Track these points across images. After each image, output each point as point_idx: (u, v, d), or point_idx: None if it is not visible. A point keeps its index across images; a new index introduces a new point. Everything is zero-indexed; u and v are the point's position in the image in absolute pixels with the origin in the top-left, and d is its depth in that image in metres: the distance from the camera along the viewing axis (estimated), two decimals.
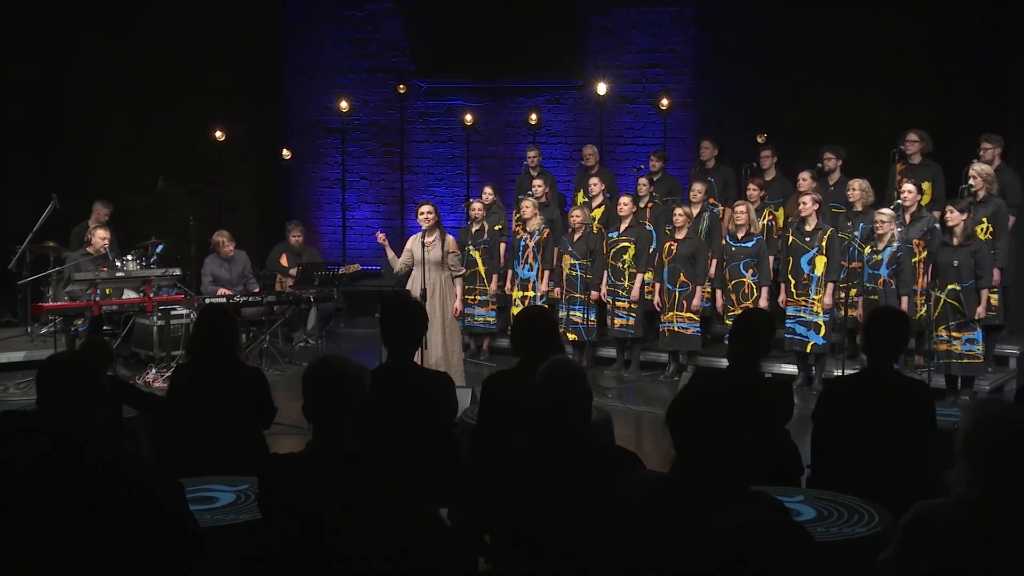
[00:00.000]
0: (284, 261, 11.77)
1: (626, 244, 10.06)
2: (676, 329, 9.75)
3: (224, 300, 10.15)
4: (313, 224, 14.15)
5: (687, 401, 2.81)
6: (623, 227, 10.14)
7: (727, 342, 4.65)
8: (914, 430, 4.31)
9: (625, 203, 10.08)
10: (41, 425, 2.90)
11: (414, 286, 8.54)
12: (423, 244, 8.59)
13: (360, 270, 12.11)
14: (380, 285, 13.33)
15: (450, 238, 8.89)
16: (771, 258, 9.72)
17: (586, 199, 11.36)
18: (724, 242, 9.73)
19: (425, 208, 8.68)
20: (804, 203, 9.14)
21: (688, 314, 9.70)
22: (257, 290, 10.71)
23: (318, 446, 3.10)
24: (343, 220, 14.24)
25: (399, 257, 8.88)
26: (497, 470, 3.48)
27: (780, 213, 10.56)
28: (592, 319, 10.22)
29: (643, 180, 10.91)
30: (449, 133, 14.21)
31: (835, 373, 9.08)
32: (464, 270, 9.40)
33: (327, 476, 3.04)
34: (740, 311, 9.12)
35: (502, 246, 11.23)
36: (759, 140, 12.18)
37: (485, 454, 4.43)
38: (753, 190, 10.24)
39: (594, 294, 10.25)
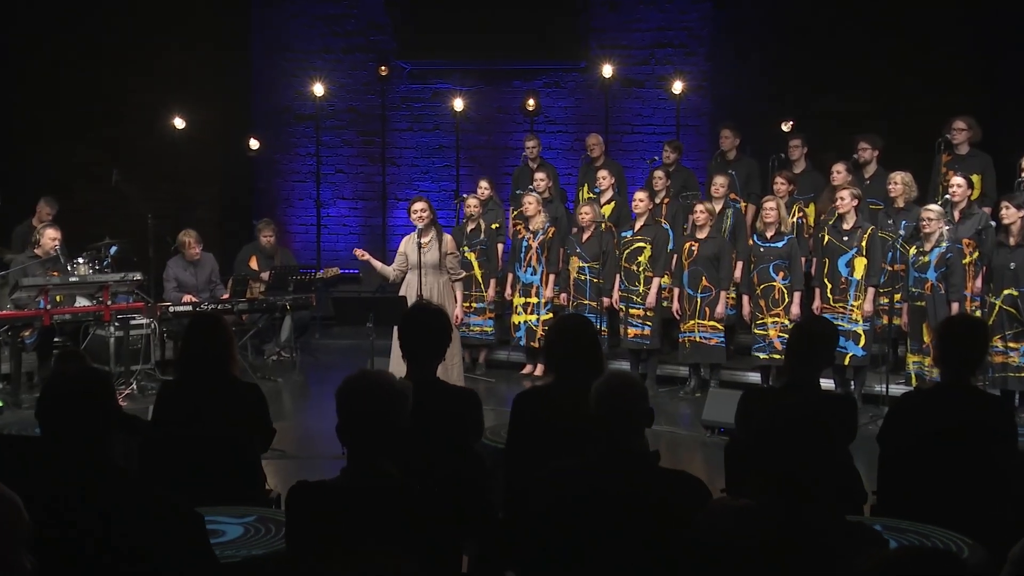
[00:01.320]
0: (254, 264, 11.71)
1: (642, 245, 10.07)
2: (698, 339, 9.76)
3: (190, 308, 10.10)
4: (283, 222, 14.10)
5: (782, 422, 2.81)
6: (638, 226, 10.15)
7: (785, 354, 4.64)
8: (996, 451, 4.32)
9: (641, 199, 10.09)
10: (47, 454, 2.87)
11: (409, 292, 8.52)
12: (418, 245, 8.57)
13: (340, 274, 12.07)
14: (360, 290, 13.37)
15: (448, 238, 8.88)
16: (801, 259, 9.74)
17: (591, 194, 11.38)
18: (751, 242, 9.75)
19: (419, 205, 8.66)
20: (842, 198, 9.16)
21: (711, 322, 9.72)
22: (225, 296, 10.64)
23: (354, 474, 3.07)
24: (317, 218, 14.20)
25: (390, 264, 8.85)
26: (539, 497, 3.47)
27: (811, 210, 10.60)
28: (603, 328, 10.21)
29: (658, 173, 10.94)
30: (436, 120, 14.20)
31: (876, 388, 9.13)
32: (464, 273, 9.39)
33: (364, 507, 3.01)
34: (792, 321, 9.15)
35: (499, 247, 11.23)
36: (784, 128, 12.24)
37: (517, 481, 4.40)
38: (781, 184, 10.26)
39: (605, 301, 10.26)
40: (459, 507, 3.42)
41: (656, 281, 10.04)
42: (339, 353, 12.34)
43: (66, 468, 2.79)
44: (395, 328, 8.57)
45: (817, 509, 2.76)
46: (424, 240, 8.59)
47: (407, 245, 8.74)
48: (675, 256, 10.17)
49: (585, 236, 10.37)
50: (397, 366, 8.58)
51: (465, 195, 11.44)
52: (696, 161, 13.20)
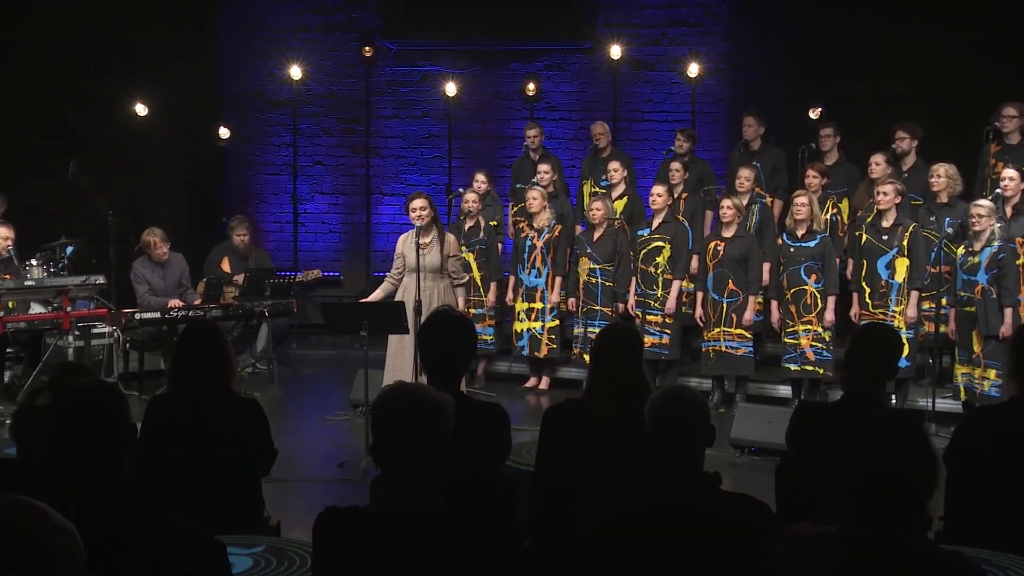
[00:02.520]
0: (226, 266, 11.70)
1: (660, 244, 10.11)
2: (723, 349, 9.79)
3: (157, 315, 10.09)
4: (256, 219, 14.06)
5: (867, 440, 2.82)
6: (656, 223, 10.18)
7: (845, 365, 4.66)
8: None
9: (659, 193, 10.13)
10: (40, 479, 2.87)
11: (407, 297, 8.52)
12: (417, 246, 8.56)
13: (321, 276, 12.07)
14: (341, 295, 13.37)
15: (450, 238, 8.89)
16: (836, 260, 9.77)
17: (598, 188, 11.40)
18: (781, 241, 9.78)
19: (418, 203, 8.65)
20: (884, 193, 9.21)
21: (738, 330, 9.75)
22: (197, 302, 10.62)
23: (392, 499, 3.07)
24: (294, 215, 14.20)
25: (389, 271, 8.88)
26: (589, 522, 3.48)
27: (845, 205, 10.65)
28: None
29: (675, 164, 10.97)
30: (425, 107, 14.21)
31: (920, 403, 9.15)
32: (467, 277, 9.40)
33: (403, 537, 3.01)
34: (825, 328, 9.19)
35: (498, 246, 11.24)
36: (811, 115, 12.29)
37: (550, 507, 4.42)
38: (813, 177, 10.30)
39: (619, 306, 10.27)
40: (487, 535, 3.43)
41: (676, 284, 10.08)
42: (320, 365, 12.35)
43: (79, 493, 2.77)
44: (389, 338, 8.68)
45: (911, 536, 2.77)
46: (424, 240, 8.59)
47: (404, 246, 8.73)
48: (699, 257, 10.21)
49: (596, 235, 10.39)
50: (393, 380, 8.61)
51: (461, 189, 11.45)
52: (713, 152, 13.26)
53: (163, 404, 4.87)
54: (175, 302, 10.38)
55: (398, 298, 8.63)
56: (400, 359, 8.57)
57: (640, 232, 10.29)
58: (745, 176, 10.44)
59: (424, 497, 3.07)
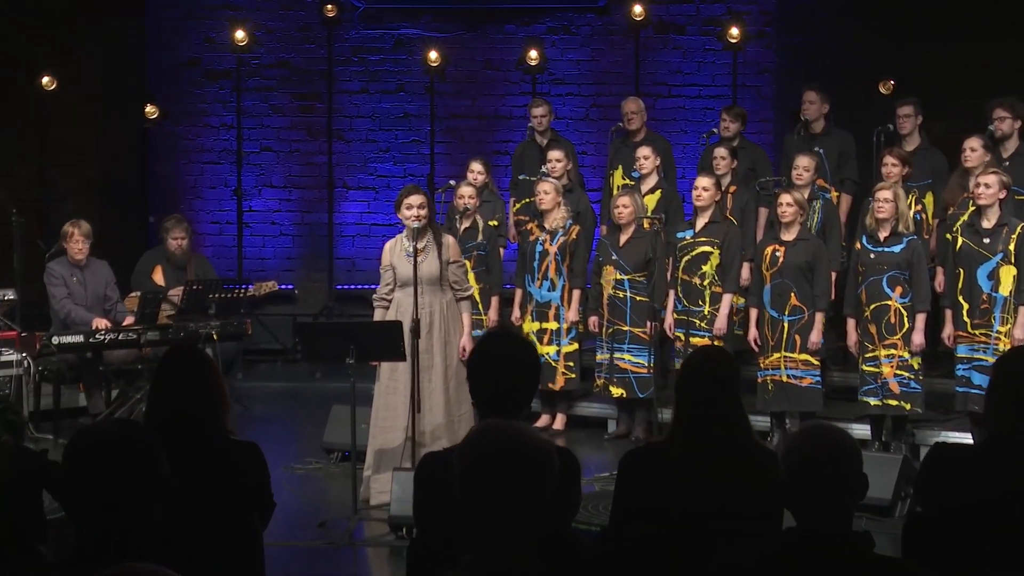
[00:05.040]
0: (159, 277, 11.68)
1: (707, 249, 10.15)
2: (785, 379, 9.81)
3: (80, 339, 10.06)
4: (189, 219, 13.93)
5: None
6: (701, 223, 10.21)
7: (987, 399, 4.69)
8: None
9: (706, 187, 10.16)
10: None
11: (402, 316, 8.51)
12: (410, 254, 8.54)
13: (278, 290, 12.06)
14: (295, 313, 13.36)
15: (449, 240, 8.87)
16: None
17: (628, 180, 11.42)
18: (859, 245, 9.82)
19: (415, 199, 8.58)
20: (985, 186, 9.26)
21: (803, 356, 9.78)
22: (128, 321, 10.59)
23: (486, 570, 3.08)
24: (237, 214, 14.19)
25: (377, 291, 8.89)
26: None
27: (929, 200, 10.71)
28: (650, 364, 10.27)
29: (721, 151, 11.02)
30: (401, 79, 14.25)
31: None
32: (472, 289, 9.38)
33: None
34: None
35: (500, 252, 11.25)
36: (882, 90, 12.38)
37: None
38: (893, 166, 10.32)
39: (654, 325, 10.27)
40: None
41: (727, 298, 10.12)
42: (273, 400, 12.37)
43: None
44: (379, 367, 8.67)
45: None
46: (420, 245, 8.57)
47: (393, 255, 8.70)
48: (748, 265, 10.24)
49: (624, 238, 10.41)
50: (384, 420, 8.63)
51: (453, 182, 11.42)
52: (757, 135, 13.30)
53: None
54: (101, 322, 10.33)
55: (391, 316, 8.61)
56: (393, 395, 8.55)
57: (680, 234, 10.31)
58: (804, 165, 10.48)
59: (526, 566, 3.08)
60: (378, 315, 8.83)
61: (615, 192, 11.29)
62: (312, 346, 8.26)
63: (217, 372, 4.94)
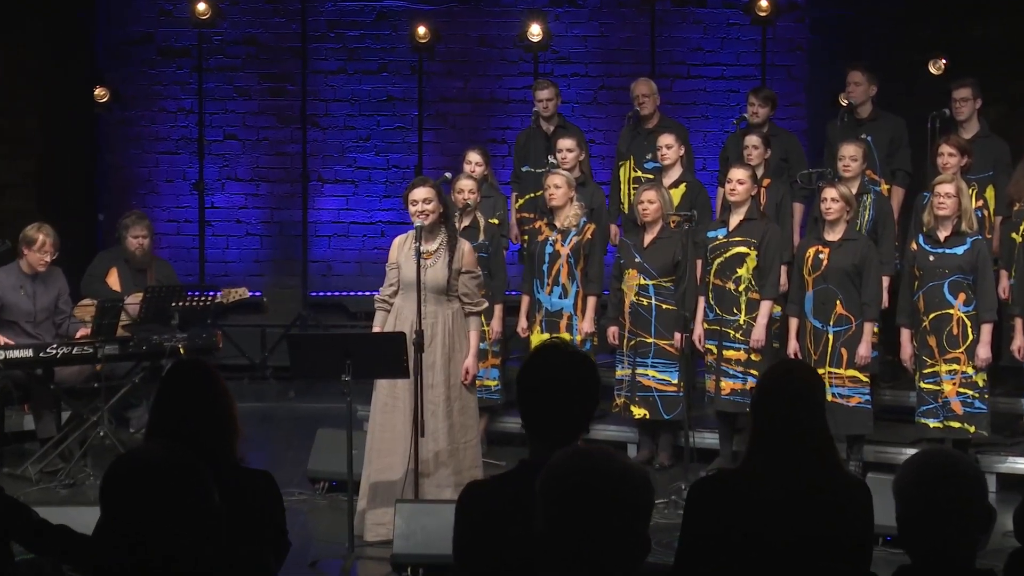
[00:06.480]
0: (114, 281, 11.62)
1: (743, 250, 10.15)
2: (829, 397, 9.79)
3: (29, 354, 10.02)
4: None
5: None
6: (735, 221, 10.20)
7: None
8: None
9: (741, 179, 10.16)
10: None
11: (402, 325, 8.49)
12: (417, 254, 8.51)
13: (248, 297, 12.01)
14: (263, 323, 13.34)
15: (465, 246, 8.87)
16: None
17: (640, 172, 11.41)
18: (915, 246, 9.83)
19: (419, 192, 8.61)
20: None
21: (851, 371, 9.79)
22: (83, 333, 10.54)
23: None
24: (198, 210, 14.21)
25: (380, 291, 8.86)
26: None
27: (990, 194, 10.73)
28: (677, 382, 10.26)
29: (753, 139, 11.03)
30: (384, 57, 14.21)
31: None
32: (485, 303, 9.35)
33: None
34: (978, 369, 9.21)
35: (503, 253, 11.24)
36: (933, 70, 12.39)
37: None
38: (951, 156, 10.33)
39: (682, 337, 10.26)
40: None
41: (766, 305, 10.12)
42: (244, 423, 12.17)
43: None
44: (376, 384, 8.64)
45: None
46: (428, 247, 8.55)
47: (400, 252, 8.69)
48: (786, 268, 10.23)
49: (648, 238, 10.40)
50: (381, 442, 8.60)
51: (449, 175, 11.39)
52: (788, 121, 13.32)
53: None
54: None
55: (391, 325, 8.59)
56: (392, 413, 8.54)
57: (712, 233, 10.31)
58: (851, 155, 10.51)
59: None
60: (378, 318, 8.84)
61: (625, 186, 11.29)
62: (303, 362, 8.20)
63: (227, 391, 4.93)
